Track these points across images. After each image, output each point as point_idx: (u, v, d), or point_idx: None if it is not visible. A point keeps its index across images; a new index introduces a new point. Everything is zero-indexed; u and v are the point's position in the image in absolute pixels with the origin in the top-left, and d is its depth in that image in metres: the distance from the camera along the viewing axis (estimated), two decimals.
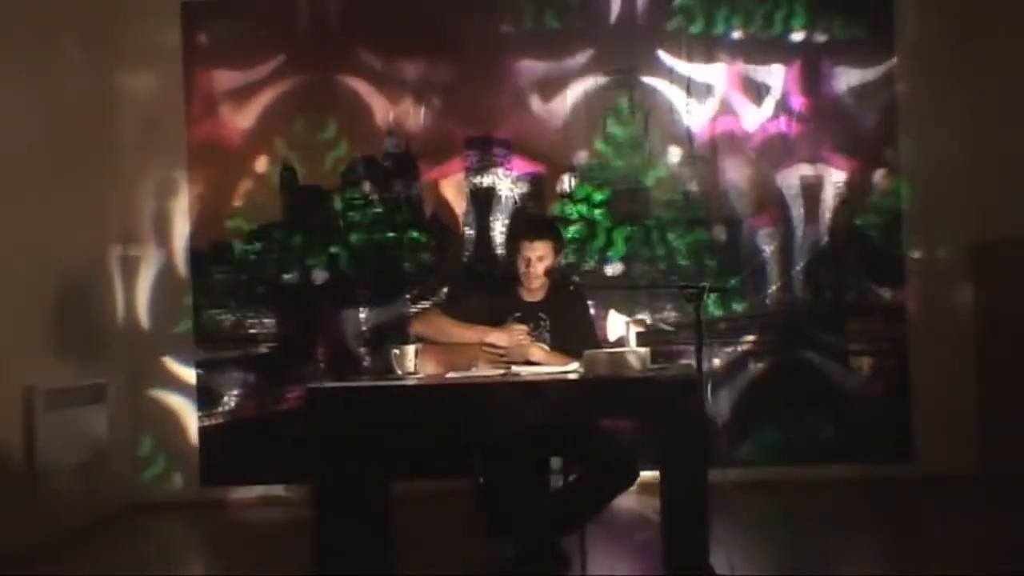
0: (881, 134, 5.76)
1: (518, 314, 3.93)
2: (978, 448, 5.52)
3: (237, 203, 5.84)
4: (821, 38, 5.78)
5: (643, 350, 3.44)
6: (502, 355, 3.78)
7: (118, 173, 5.75)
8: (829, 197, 5.77)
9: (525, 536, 3.73)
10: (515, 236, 4.01)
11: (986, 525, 4.73)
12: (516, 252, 3.95)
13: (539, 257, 3.90)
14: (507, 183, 5.81)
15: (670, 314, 5.68)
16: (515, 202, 5.80)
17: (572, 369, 3.57)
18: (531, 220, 4.88)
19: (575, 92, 5.81)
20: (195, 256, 5.83)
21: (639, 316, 5.64)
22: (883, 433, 5.67)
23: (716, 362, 5.68)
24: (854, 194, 5.76)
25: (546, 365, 3.73)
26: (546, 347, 3.87)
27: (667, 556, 3.29)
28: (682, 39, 5.78)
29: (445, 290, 5.69)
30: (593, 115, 5.80)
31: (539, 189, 5.81)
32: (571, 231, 5.71)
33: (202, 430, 5.78)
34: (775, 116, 5.79)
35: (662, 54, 5.80)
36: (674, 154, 5.80)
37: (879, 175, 5.76)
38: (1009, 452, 5.27)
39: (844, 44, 5.77)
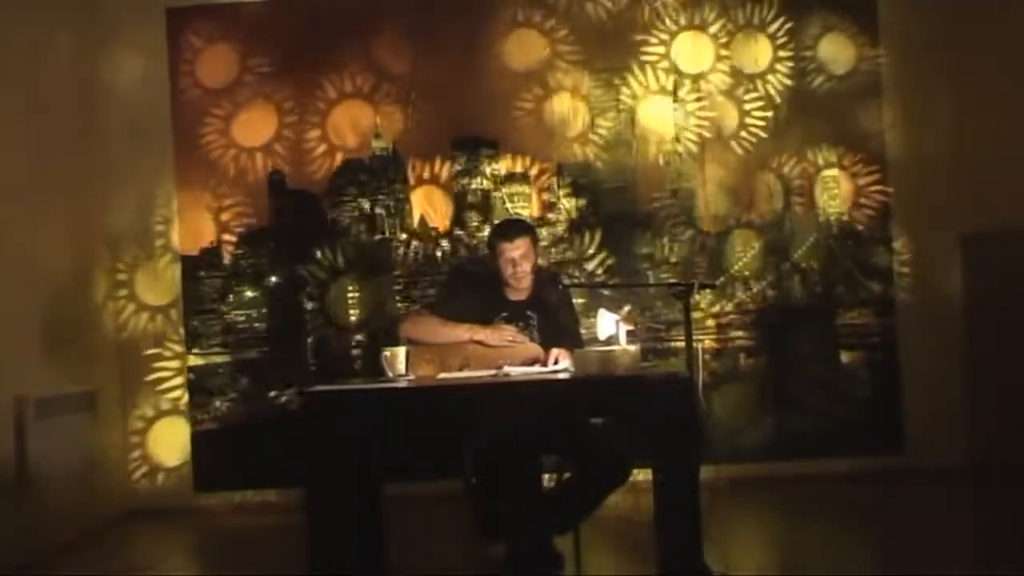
0: (868, 125, 5.79)
1: (505, 314, 3.94)
2: (968, 439, 5.54)
3: (226, 207, 5.83)
4: (807, 29, 5.82)
5: (633, 348, 3.45)
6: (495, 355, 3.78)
7: (106, 179, 5.74)
8: (816, 190, 5.79)
9: (518, 536, 3.72)
10: (493, 241, 4.00)
11: (978, 516, 4.75)
12: (498, 256, 3.95)
13: (522, 255, 3.91)
14: (494, 183, 5.82)
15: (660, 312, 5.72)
16: (502, 201, 5.80)
17: (562, 368, 3.57)
18: (505, 222, 4.89)
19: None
20: (185, 261, 5.82)
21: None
22: (874, 426, 5.69)
23: (706, 358, 5.69)
24: (842, 186, 5.78)
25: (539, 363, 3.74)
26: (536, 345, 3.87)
27: (661, 554, 3.29)
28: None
29: (433, 291, 5.69)
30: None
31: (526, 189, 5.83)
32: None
33: (195, 436, 5.77)
34: (762, 108, 5.82)
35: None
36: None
37: (867, 167, 5.78)
38: (999, 443, 5.29)
39: (830, 35, 5.81)
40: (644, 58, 5.83)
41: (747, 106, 5.82)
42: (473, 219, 5.81)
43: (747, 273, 5.78)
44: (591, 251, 5.78)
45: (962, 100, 5.61)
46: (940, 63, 5.68)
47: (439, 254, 5.81)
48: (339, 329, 5.80)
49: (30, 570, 4.47)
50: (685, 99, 5.82)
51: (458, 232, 5.81)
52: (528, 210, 5.80)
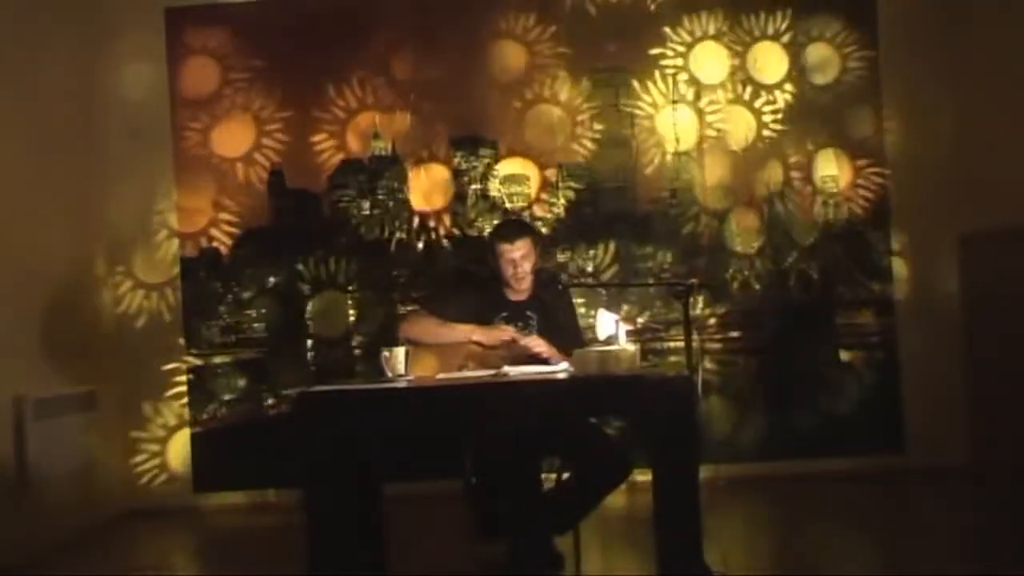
0: (868, 126, 5.79)
1: (505, 314, 3.93)
2: (968, 439, 5.54)
3: (225, 207, 5.83)
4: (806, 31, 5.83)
5: (632, 348, 3.45)
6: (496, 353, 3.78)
7: (105, 179, 5.74)
8: (816, 190, 5.79)
9: (518, 536, 3.72)
10: (494, 241, 4.00)
11: (978, 516, 4.75)
12: (499, 257, 3.95)
13: (523, 256, 3.91)
14: (493, 183, 5.82)
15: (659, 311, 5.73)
16: (501, 201, 5.81)
17: (562, 368, 3.57)
18: (505, 223, 4.91)
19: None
20: (183, 261, 5.82)
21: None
22: (874, 426, 5.69)
23: (705, 358, 5.70)
24: (841, 187, 5.78)
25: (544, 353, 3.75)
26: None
27: (660, 554, 3.28)
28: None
29: (432, 292, 5.69)
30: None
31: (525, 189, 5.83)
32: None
33: (194, 436, 5.77)
34: (761, 110, 5.83)
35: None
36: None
37: (866, 167, 5.79)
38: (999, 443, 5.28)
39: (830, 37, 5.82)
40: (644, 60, 5.84)
41: (745, 108, 5.82)
42: (472, 218, 5.81)
43: (747, 272, 5.78)
44: (606, 260, 5.79)
45: (962, 100, 5.61)
46: (940, 63, 5.68)
47: (438, 253, 5.81)
48: (337, 330, 5.80)
49: (30, 570, 4.47)
50: (685, 99, 5.82)
51: (457, 231, 5.81)
52: (527, 209, 5.80)
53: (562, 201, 5.81)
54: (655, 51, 5.84)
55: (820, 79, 5.82)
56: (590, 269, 5.76)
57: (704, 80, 5.84)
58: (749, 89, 5.83)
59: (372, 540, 3.74)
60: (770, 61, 5.83)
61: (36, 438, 4.73)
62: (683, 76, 5.83)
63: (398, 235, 5.81)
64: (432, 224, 5.82)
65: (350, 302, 5.80)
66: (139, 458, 5.79)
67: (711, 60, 5.83)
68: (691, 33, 5.84)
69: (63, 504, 4.97)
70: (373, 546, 3.73)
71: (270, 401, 5.77)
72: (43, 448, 4.77)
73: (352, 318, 5.79)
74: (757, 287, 5.78)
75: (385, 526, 3.83)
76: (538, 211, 5.81)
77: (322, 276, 5.81)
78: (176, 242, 5.83)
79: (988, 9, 5.45)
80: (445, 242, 5.81)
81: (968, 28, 5.57)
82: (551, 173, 5.82)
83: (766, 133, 5.81)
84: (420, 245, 5.81)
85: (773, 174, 5.80)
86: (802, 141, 5.81)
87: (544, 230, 5.74)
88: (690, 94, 5.83)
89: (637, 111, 5.83)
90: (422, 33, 5.85)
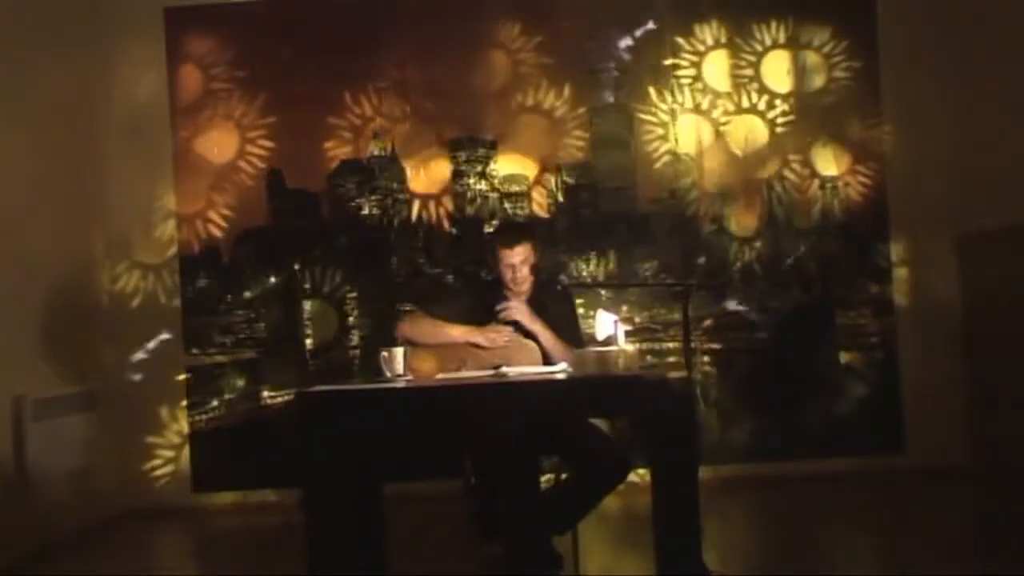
0: (866, 127, 5.79)
1: None
2: (968, 439, 5.54)
3: (224, 207, 5.83)
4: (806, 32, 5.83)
5: (631, 348, 3.45)
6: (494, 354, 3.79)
7: (105, 179, 5.74)
8: (815, 191, 5.79)
9: (517, 535, 3.72)
10: (494, 245, 3.99)
11: (978, 516, 4.75)
12: (498, 262, 3.94)
13: (522, 260, 3.90)
14: (492, 183, 5.82)
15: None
16: (500, 202, 5.81)
17: (561, 368, 3.58)
18: (505, 227, 4.90)
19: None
20: (183, 261, 5.82)
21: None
22: (874, 426, 5.69)
23: (704, 359, 5.70)
24: (841, 187, 5.78)
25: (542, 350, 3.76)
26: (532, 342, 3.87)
27: (659, 554, 3.29)
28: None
29: (431, 292, 5.69)
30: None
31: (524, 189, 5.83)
32: None
33: (193, 435, 5.77)
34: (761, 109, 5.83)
35: None
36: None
37: (866, 167, 5.79)
38: (999, 443, 5.29)
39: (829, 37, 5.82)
40: (644, 62, 5.84)
41: (746, 108, 5.82)
42: (471, 218, 5.82)
43: (747, 273, 5.78)
44: (607, 263, 5.79)
45: (961, 100, 5.61)
46: (939, 64, 5.68)
47: (438, 254, 5.81)
48: (336, 329, 5.80)
49: (30, 570, 4.47)
50: (687, 102, 5.83)
51: (457, 232, 5.81)
52: (526, 210, 5.81)
53: (561, 200, 5.80)
54: (656, 53, 5.83)
55: (820, 82, 5.81)
56: (599, 274, 5.75)
57: (707, 83, 5.83)
58: (746, 90, 5.82)
59: (372, 540, 3.74)
60: (770, 64, 5.82)
61: (36, 438, 4.73)
62: (685, 79, 5.83)
63: (396, 222, 5.80)
64: (432, 216, 5.81)
65: (348, 303, 5.80)
66: (138, 457, 5.76)
67: (715, 65, 5.83)
68: (702, 41, 5.83)
69: (63, 504, 4.98)
70: (373, 546, 3.73)
71: (269, 401, 5.76)
72: (43, 448, 4.77)
73: (350, 319, 5.79)
74: (756, 287, 5.77)
75: (385, 526, 3.84)
76: (535, 196, 5.80)
77: (320, 277, 5.81)
78: (174, 240, 5.82)
79: (987, 9, 5.44)
80: (446, 223, 5.80)
81: (967, 29, 5.56)
82: (550, 173, 5.81)
83: (768, 135, 5.80)
84: (420, 235, 5.81)
85: (774, 176, 5.80)
86: (802, 143, 5.80)
87: (544, 218, 5.75)
88: (694, 97, 5.82)
89: (637, 112, 5.82)
90: (426, 35, 5.85)
